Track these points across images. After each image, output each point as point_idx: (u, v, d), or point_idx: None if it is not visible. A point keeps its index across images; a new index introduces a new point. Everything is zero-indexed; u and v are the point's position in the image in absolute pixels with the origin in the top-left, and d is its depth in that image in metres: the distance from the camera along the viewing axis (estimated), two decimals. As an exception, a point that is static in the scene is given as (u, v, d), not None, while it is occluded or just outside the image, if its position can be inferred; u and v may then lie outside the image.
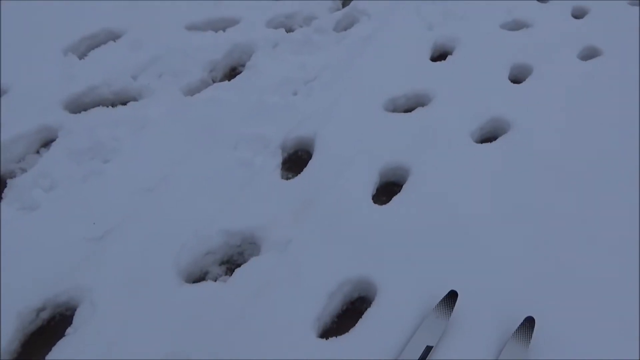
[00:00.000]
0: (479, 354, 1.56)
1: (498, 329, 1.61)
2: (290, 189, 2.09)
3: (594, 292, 1.72)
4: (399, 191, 2.10)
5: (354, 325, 1.64)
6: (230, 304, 1.67)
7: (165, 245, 1.85)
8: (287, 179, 2.17)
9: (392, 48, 2.93)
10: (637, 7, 3.35)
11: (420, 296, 1.69)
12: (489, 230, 1.91)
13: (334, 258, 1.80)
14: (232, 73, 2.86)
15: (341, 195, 2.04)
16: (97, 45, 2.85)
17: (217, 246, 1.89)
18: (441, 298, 1.64)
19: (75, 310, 1.68)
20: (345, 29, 3.19)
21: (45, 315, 1.70)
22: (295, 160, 2.32)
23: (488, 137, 2.43)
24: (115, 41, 2.87)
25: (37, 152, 2.29)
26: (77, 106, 2.50)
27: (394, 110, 2.54)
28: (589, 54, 2.97)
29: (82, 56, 2.77)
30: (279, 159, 2.24)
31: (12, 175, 2.16)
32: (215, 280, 1.80)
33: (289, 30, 3.14)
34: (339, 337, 1.61)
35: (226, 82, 2.71)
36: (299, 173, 2.18)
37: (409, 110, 2.54)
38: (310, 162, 2.22)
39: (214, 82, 2.76)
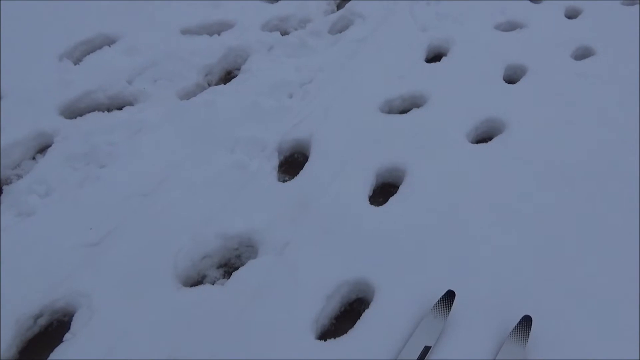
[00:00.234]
0: (477, 353, 1.56)
1: (496, 329, 1.61)
2: (287, 191, 2.09)
3: (592, 292, 1.72)
4: (396, 192, 2.10)
5: (352, 326, 1.64)
6: (229, 307, 1.67)
7: (163, 250, 1.85)
8: (284, 181, 2.18)
9: (386, 50, 2.95)
10: (630, 7, 3.37)
11: (417, 297, 1.69)
12: (485, 230, 1.92)
13: (332, 260, 1.81)
14: (227, 76, 2.87)
15: (338, 197, 2.05)
16: (93, 50, 2.85)
17: (215, 249, 1.89)
18: (438, 298, 1.65)
19: (72, 316, 1.67)
20: (340, 32, 3.20)
21: (42, 321, 1.69)
22: (292, 163, 2.33)
23: (483, 137, 2.44)
24: (110, 46, 2.87)
25: (33, 158, 2.28)
26: (73, 111, 2.50)
27: (390, 112, 2.55)
28: (582, 54, 2.98)
29: (77, 61, 2.77)
30: (275, 162, 2.25)
31: (8, 181, 2.16)
32: (213, 284, 1.81)
33: (284, 33, 3.15)
34: (337, 338, 1.61)
35: (222, 85, 2.71)
36: (296, 175, 2.18)
37: (404, 111, 2.55)
38: (306, 164, 2.23)
39: (209, 85, 2.77)
